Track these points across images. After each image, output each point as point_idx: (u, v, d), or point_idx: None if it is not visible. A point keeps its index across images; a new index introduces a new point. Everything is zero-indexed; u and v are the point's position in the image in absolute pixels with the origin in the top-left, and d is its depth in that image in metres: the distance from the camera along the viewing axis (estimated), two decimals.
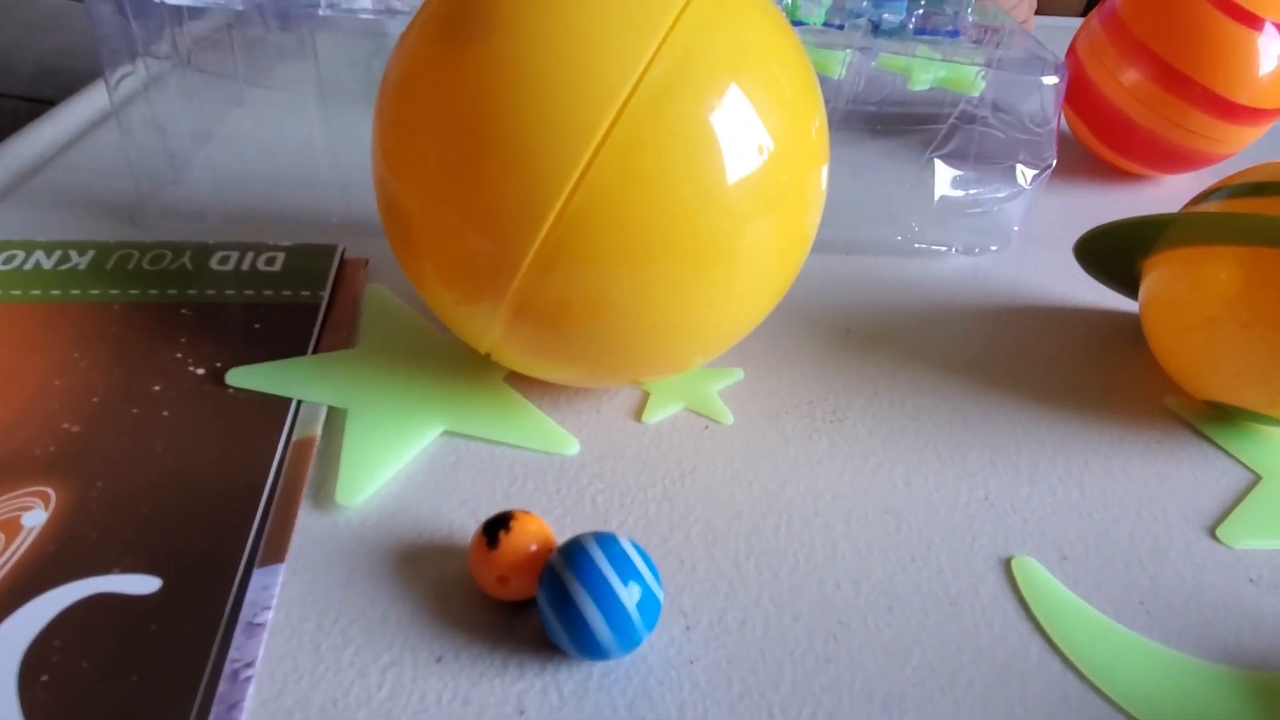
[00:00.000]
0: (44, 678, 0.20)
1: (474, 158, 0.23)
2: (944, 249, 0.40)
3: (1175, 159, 0.46)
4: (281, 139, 0.43)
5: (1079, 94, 0.47)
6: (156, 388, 0.29)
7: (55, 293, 0.33)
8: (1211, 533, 0.27)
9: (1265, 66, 0.41)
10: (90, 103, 0.48)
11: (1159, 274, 0.31)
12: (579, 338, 0.25)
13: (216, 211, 0.38)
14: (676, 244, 0.23)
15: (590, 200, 0.22)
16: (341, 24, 0.37)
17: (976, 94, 0.38)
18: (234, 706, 0.20)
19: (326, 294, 0.34)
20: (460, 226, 0.24)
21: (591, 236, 0.23)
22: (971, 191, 0.39)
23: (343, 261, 0.36)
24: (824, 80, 0.38)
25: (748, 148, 0.23)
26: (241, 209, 0.39)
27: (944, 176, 0.39)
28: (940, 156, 0.39)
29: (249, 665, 0.21)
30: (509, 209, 0.23)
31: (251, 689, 0.21)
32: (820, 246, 0.39)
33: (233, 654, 0.21)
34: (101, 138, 0.45)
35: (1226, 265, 0.28)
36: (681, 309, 0.24)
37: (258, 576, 0.23)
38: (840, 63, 0.37)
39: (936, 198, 0.39)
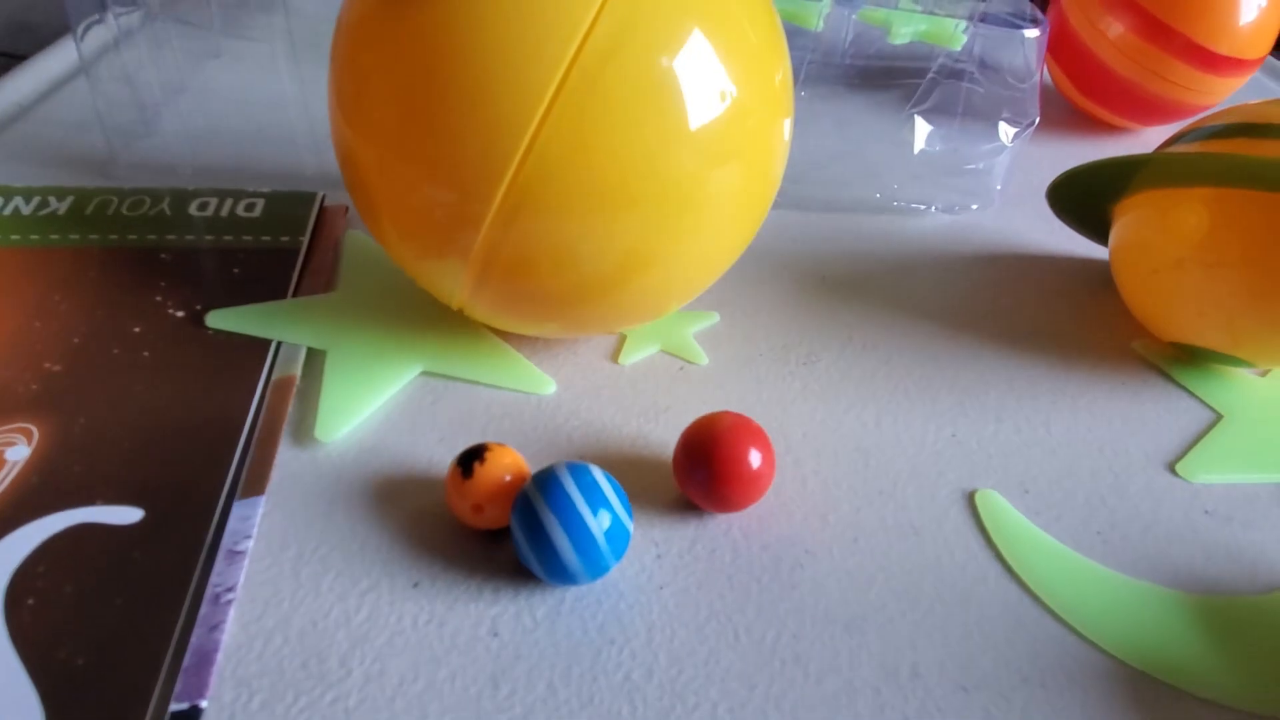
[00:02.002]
0: (30, 601, 0.21)
1: (429, 115, 0.23)
2: (924, 208, 0.40)
3: (1157, 110, 0.46)
4: (256, 91, 0.43)
5: (1062, 46, 0.47)
6: (137, 329, 0.29)
7: (34, 238, 0.33)
8: (1171, 468, 0.28)
9: (1245, 17, 0.42)
10: (64, 55, 0.48)
11: (1129, 218, 0.31)
12: (549, 291, 0.25)
13: (188, 164, 0.38)
14: (640, 191, 0.23)
15: (550, 151, 0.22)
16: None
17: (958, 48, 0.38)
18: (216, 628, 0.21)
19: (306, 239, 0.34)
20: (420, 184, 0.24)
21: (554, 187, 0.23)
22: (952, 148, 0.39)
23: (322, 208, 0.36)
24: (802, 33, 0.38)
25: (708, 94, 0.23)
26: (214, 162, 0.39)
27: (924, 133, 0.39)
28: (921, 112, 0.39)
29: (230, 589, 0.22)
30: (468, 165, 0.23)
31: (233, 611, 0.21)
32: (799, 203, 0.39)
33: (214, 579, 0.22)
34: (74, 90, 0.45)
35: (1194, 207, 0.28)
36: (649, 256, 0.25)
37: (239, 507, 0.24)
38: (818, 14, 0.37)
39: (916, 153, 0.39)
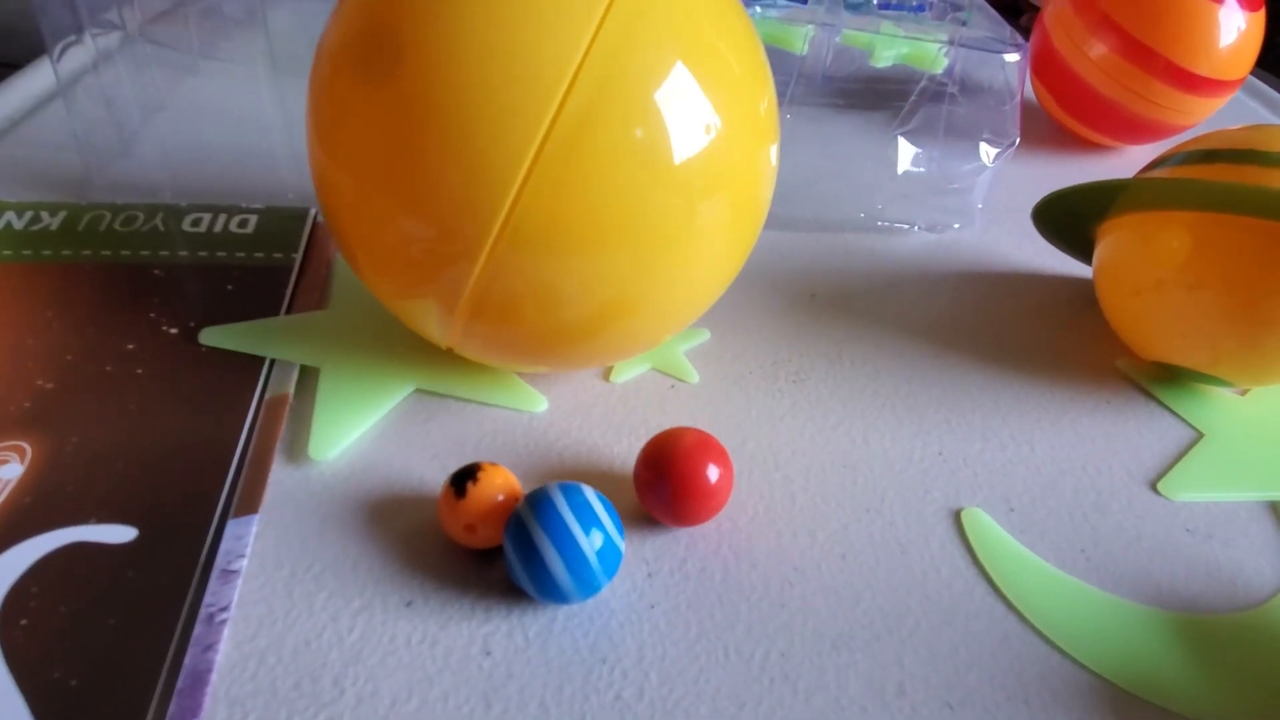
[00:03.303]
0: (23, 622, 0.21)
1: (410, 179, 0.22)
2: (907, 226, 0.41)
3: (1139, 129, 0.47)
4: (235, 111, 0.43)
5: (1046, 66, 0.48)
6: (130, 346, 0.29)
7: (26, 253, 0.33)
8: (1153, 486, 0.28)
9: (1225, 39, 0.42)
10: (41, 74, 0.47)
11: (1111, 239, 0.32)
12: (540, 333, 0.25)
13: (167, 185, 0.38)
14: (629, 235, 0.23)
15: (536, 205, 0.22)
16: None
17: (939, 70, 0.38)
18: (210, 648, 0.21)
19: (299, 256, 0.34)
20: (407, 243, 0.23)
21: (540, 238, 0.22)
22: (935, 169, 0.40)
23: (315, 225, 0.36)
24: (787, 56, 0.38)
25: (693, 132, 0.23)
26: (193, 183, 0.39)
27: (907, 153, 0.40)
28: (904, 133, 0.40)
29: (224, 609, 0.22)
30: (454, 220, 0.22)
31: (227, 631, 0.22)
32: (785, 224, 0.40)
33: (208, 599, 0.22)
34: (52, 110, 0.45)
35: (1175, 230, 0.29)
36: (641, 294, 0.24)
37: (232, 526, 0.24)
38: (803, 38, 0.38)
39: (900, 173, 0.39)
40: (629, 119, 0.22)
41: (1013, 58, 0.38)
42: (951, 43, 0.38)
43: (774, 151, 0.27)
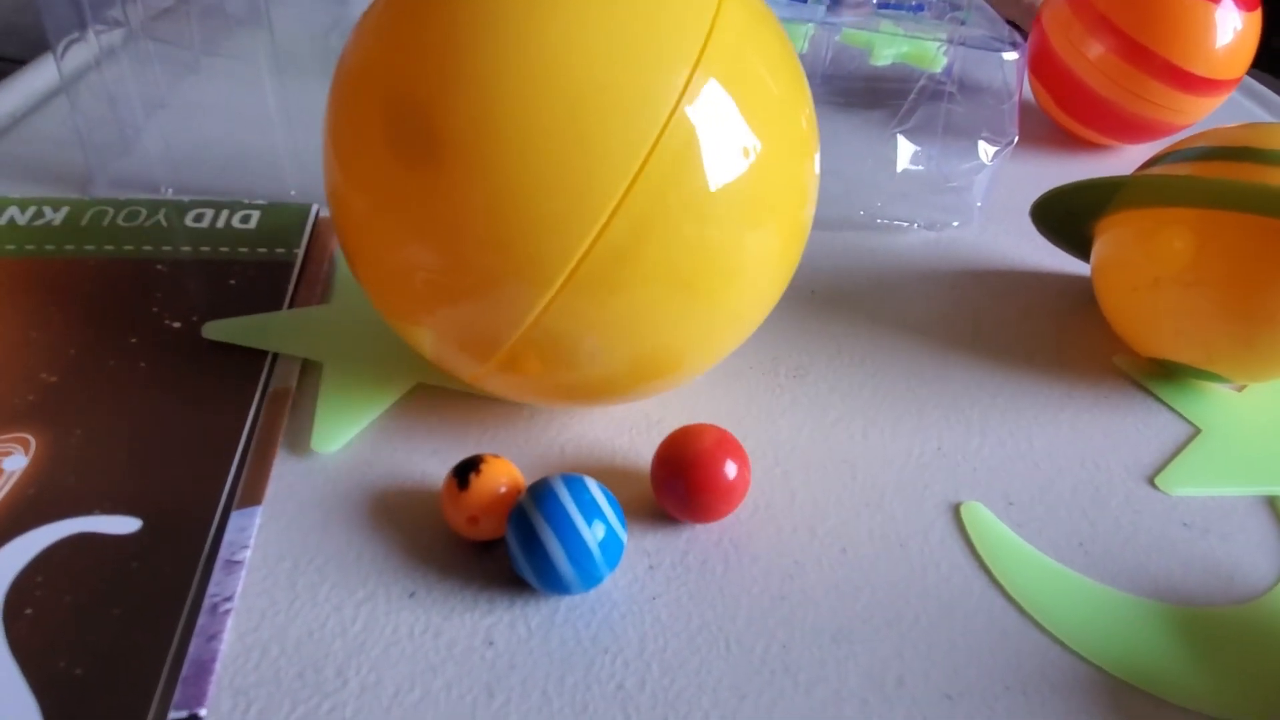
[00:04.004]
0: (28, 612, 0.21)
1: (453, 250, 0.21)
2: (907, 224, 0.41)
3: (1136, 129, 0.47)
4: (237, 109, 0.43)
5: (1044, 66, 0.48)
6: (133, 340, 0.29)
7: (30, 248, 0.33)
8: (1150, 481, 0.29)
9: (1222, 39, 0.43)
10: (44, 71, 0.47)
11: (1109, 236, 0.32)
12: (574, 384, 0.24)
13: (169, 182, 0.38)
14: (686, 299, 0.22)
15: (596, 269, 0.21)
16: None
17: (938, 69, 0.39)
18: (213, 638, 0.21)
19: (301, 251, 0.34)
20: (440, 315, 0.23)
21: (597, 294, 0.22)
22: (934, 167, 0.40)
23: (316, 220, 0.36)
24: None
25: (752, 188, 0.22)
26: (195, 180, 0.39)
27: (907, 151, 0.40)
28: (903, 132, 0.40)
29: (228, 599, 0.22)
30: (499, 292, 0.21)
31: (230, 621, 0.22)
32: None
33: (212, 589, 0.22)
34: (55, 107, 0.45)
35: (1172, 227, 0.29)
36: (688, 342, 0.24)
37: (236, 518, 0.24)
38: (803, 37, 0.38)
39: (899, 172, 0.40)
40: (697, 196, 0.21)
41: (1011, 56, 0.38)
42: (950, 41, 0.38)
43: (816, 162, 0.26)
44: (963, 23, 0.39)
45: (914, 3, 0.40)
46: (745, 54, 0.22)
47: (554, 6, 0.21)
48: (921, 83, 0.39)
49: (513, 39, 0.20)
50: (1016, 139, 0.40)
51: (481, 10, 0.21)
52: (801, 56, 0.39)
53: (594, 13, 0.21)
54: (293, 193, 0.38)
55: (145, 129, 0.40)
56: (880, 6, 0.40)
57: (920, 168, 0.40)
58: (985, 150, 0.40)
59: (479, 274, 0.21)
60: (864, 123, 0.41)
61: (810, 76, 0.39)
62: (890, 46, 0.38)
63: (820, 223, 0.40)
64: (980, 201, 0.41)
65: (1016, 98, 0.39)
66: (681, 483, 0.24)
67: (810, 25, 0.38)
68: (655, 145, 0.20)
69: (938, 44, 0.38)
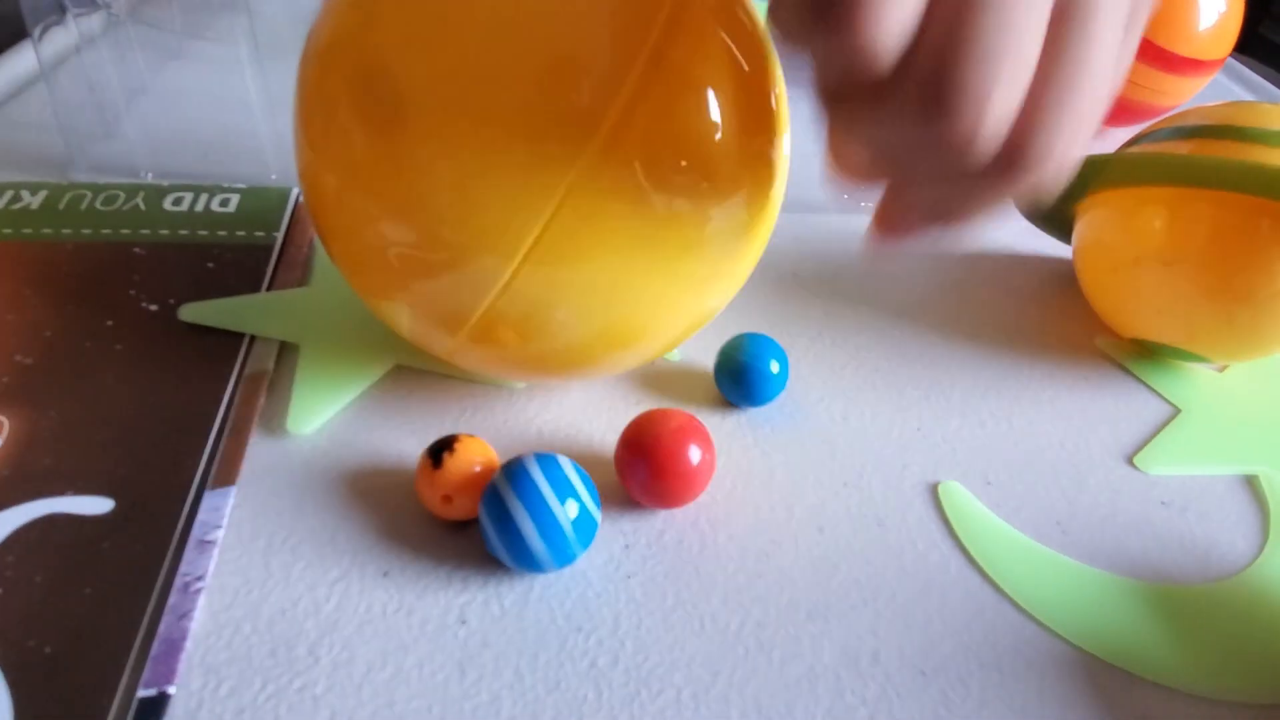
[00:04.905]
0: None
1: (423, 221, 0.21)
2: None
3: (1121, 111, 0.47)
4: (218, 93, 0.42)
5: None
6: (109, 323, 0.29)
7: (7, 231, 0.33)
8: (1130, 461, 0.29)
9: (1205, 21, 0.43)
10: (22, 54, 0.47)
11: (1089, 217, 0.32)
12: (546, 354, 0.24)
13: (149, 168, 0.38)
14: (647, 252, 0.22)
15: (559, 235, 0.21)
16: None
17: None
18: (184, 616, 0.21)
19: (281, 235, 0.34)
20: (412, 289, 0.23)
21: (562, 263, 0.21)
22: None
23: (296, 204, 0.36)
24: None
25: (716, 160, 0.22)
26: (175, 165, 0.38)
27: None
28: None
29: (199, 578, 0.22)
30: (470, 254, 0.21)
31: (202, 600, 0.22)
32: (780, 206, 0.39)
33: (184, 568, 0.22)
34: (33, 90, 0.44)
35: (1152, 206, 0.29)
36: (656, 309, 0.24)
37: (209, 498, 0.24)
38: None
39: None
40: (658, 155, 0.21)
41: None
42: None
43: (786, 141, 0.25)
44: None
45: None
46: (712, 27, 0.22)
47: None
48: None
49: (476, 5, 0.20)
50: None
51: None
52: None
53: None
54: (273, 177, 0.38)
55: (125, 114, 0.40)
56: None
57: None
58: None
59: (447, 243, 0.21)
60: None
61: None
62: None
63: (810, 205, 0.40)
64: None
65: None
66: (643, 470, 0.24)
67: None
68: (619, 113, 0.20)
69: None
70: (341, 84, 0.22)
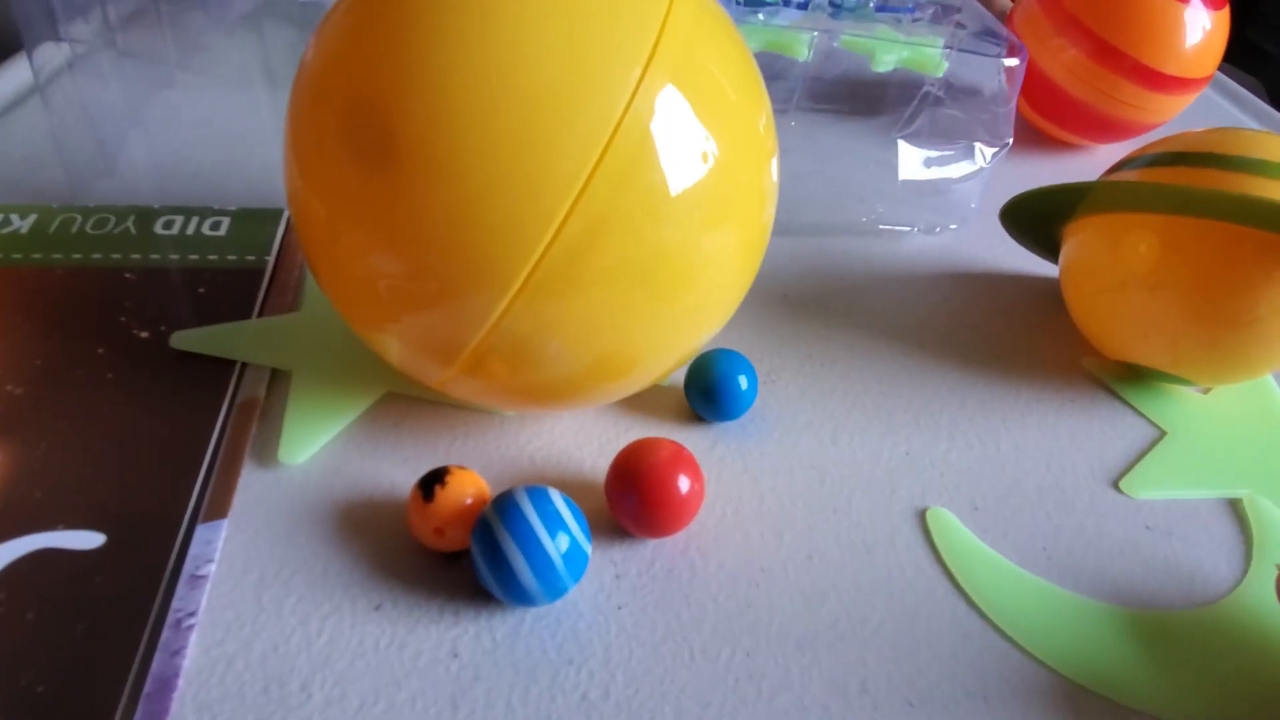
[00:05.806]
0: None
1: (416, 252, 0.21)
2: (907, 229, 0.41)
3: (1109, 129, 0.47)
4: (218, 123, 0.42)
5: None
6: (100, 350, 0.29)
7: None
8: (1115, 484, 0.29)
9: (1191, 39, 0.43)
10: (18, 76, 0.47)
11: (1075, 241, 0.32)
12: (539, 385, 0.24)
13: (143, 194, 0.38)
14: (641, 285, 0.22)
15: (552, 270, 0.21)
16: (279, 6, 0.37)
17: (940, 75, 0.39)
18: (177, 653, 0.21)
19: (272, 259, 0.34)
20: (403, 321, 0.23)
21: (555, 297, 0.22)
22: (932, 171, 0.40)
23: (288, 227, 0.36)
24: (790, 62, 0.38)
25: (707, 189, 0.22)
26: (170, 191, 0.38)
27: (908, 157, 0.40)
28: (904, 137, 0.40)
29: (192, 614, 0.22)
30: (458, 307, 0.22)
31: (194, 636, 0.22)
32: (784, 230, 0.40)
33: (176, 604, 0.22)
34: (26, 122, 0.44)
35: (1137, 232, 0.30)
36: (649, 339, 0.24)
37: (201, 531, 0.24)
38: (806, 44, 0.38)
39: (901, 178, 0.40)
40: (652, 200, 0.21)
41: (1012, 62, 0.38)
42: (950, 47, 0.38)
43: (774, 166, 0.25)
44: (964, 26, 0.39)
45: (909, 4, 0.40)
46: (697, 55, 0.22)
47: (505, 8, 0.21)
48: (925, 89, 0.39)
49: (465, 41, 0.20)
50: (1011, 140, 0.40)
51: (435, 13, 0.21)
52: (803, 64, 0.38)
53: (545, 14, 0.21)
54: (278, 202, 0.38)
55: (119, 143, 0.40)
56: (878, 10, 0.39)
57: (922, 173, 0.40)
58: (982, 153, 0.40)
59: (439, 278, 0.21)
60: (864, 129, 0.41)
61: (813, 82, 0.39)
62: (891, 52, 0.38)
63: (820, 229, 0.40)
64: (975, 203, 0.41)
65: (1014, 102, 0.39)
66: (633, 501, 0.24)
67: (814, 33, 0.38)
68: (609, 144, 0.20)
69: (940, 50, 0.38)
70: (332, 114, 0.22)
